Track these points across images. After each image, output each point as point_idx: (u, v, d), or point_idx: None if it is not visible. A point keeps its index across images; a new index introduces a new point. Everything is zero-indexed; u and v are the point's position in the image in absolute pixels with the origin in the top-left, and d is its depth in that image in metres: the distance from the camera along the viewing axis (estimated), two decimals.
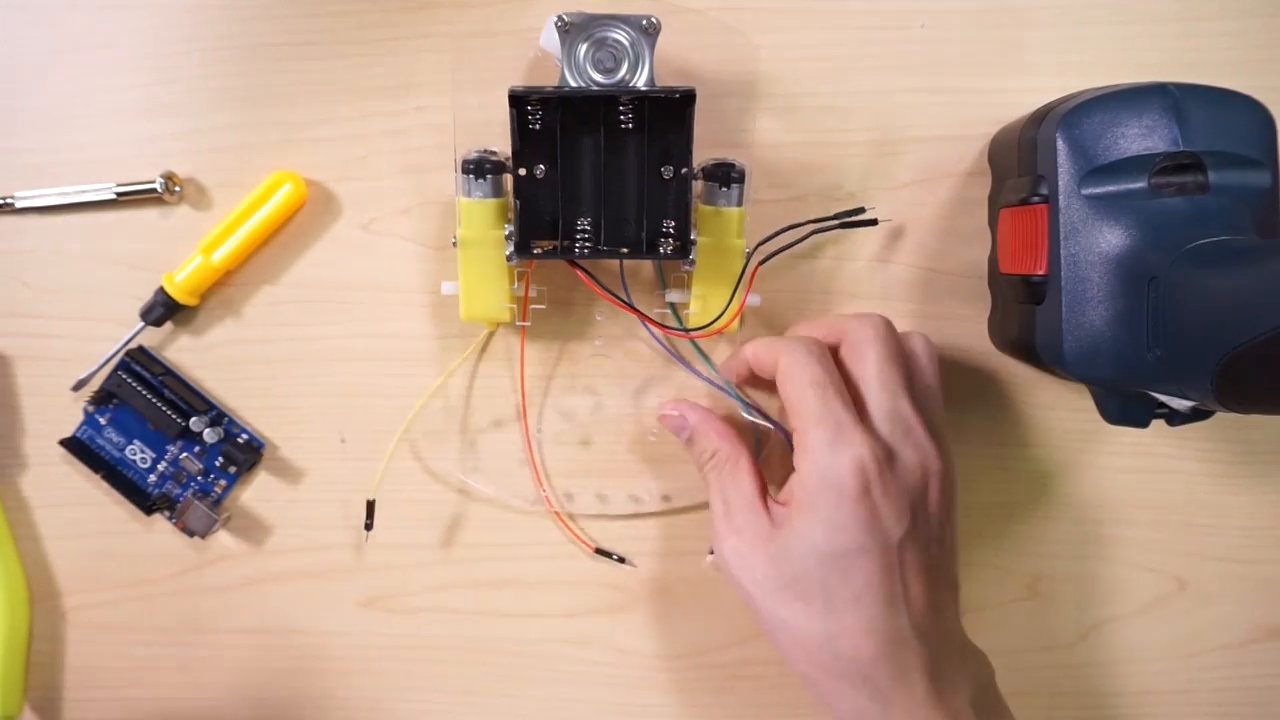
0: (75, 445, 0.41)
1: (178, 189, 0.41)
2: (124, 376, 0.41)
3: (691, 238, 0.34)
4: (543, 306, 0.40)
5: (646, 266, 0.40)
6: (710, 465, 0.37)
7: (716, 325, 0.38)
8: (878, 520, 0.32)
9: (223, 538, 0.43)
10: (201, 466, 0.42)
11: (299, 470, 0.42)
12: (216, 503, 0.42)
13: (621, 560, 0.42)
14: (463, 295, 0.38)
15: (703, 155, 0.36)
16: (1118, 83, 0.35)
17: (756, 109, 0.40)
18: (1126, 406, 0.35)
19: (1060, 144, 0.33)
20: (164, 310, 0.41)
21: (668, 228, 0.34)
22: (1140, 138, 0.32)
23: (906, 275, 0.41)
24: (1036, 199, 0.34)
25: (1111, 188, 0.33)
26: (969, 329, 0.41)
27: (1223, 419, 0.36)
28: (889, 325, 0.35)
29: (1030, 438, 0.41)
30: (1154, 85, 0.33)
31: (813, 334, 0.36)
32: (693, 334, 0.39)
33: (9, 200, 0.41)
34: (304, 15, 0.40)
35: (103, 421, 0.42)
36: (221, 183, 0.41)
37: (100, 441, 0.42)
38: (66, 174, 0.41)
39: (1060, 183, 0.33)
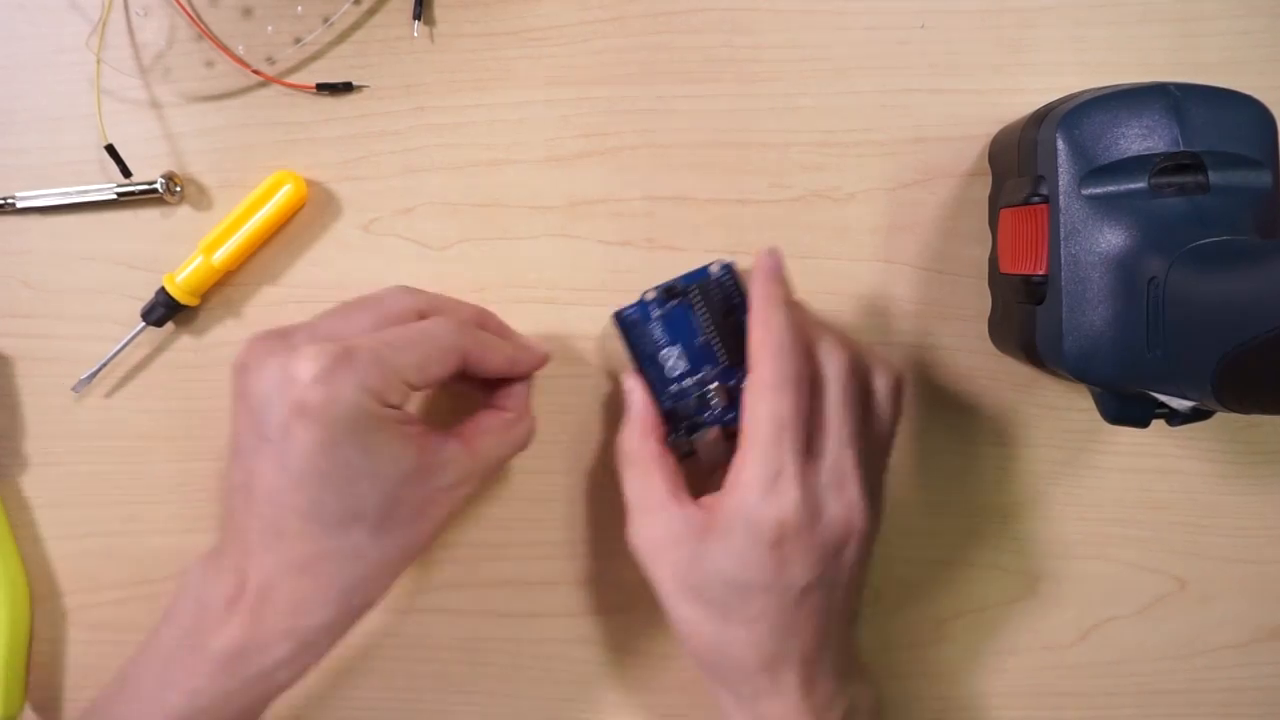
0: (625, 321, 0.39)
1: (178, 189, 0.41)
2: (711, 288, 0.39)
3: None
4: None
5: None
6: (623, 458, 0.37)
7: None
8: (784, 568, 0.33)
9: None
10: (726, 401, 0.39)
11: None
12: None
13: (348, 87, 0.41)
14: None
15: None
16: (1118, 83, 0.35)
17: (758, 109, 0.40)
18: (1126, 406, 0.35)
19: (1060, 144, 0.33)
20: (165, 310, 0.41)
21: None
22: (1140, 138, 0.32)
23: (906, 275, 0.41)
24: (1036, 199, 0.34)
25: (1112, 188, 0.33)
26: (969, 329, 0.41)
27: (1223, 419, 0.36)
28: (856, 361, 0.35)
29: (1030, 438, 0.41)
30: (1154, 85, 0.33)
31: (799, 334, 0.35)
32: None
33: (10, 200, 0.41)
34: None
35: (654, 314, 0.39)
36: (222, 183, 0.41)
37: (640, 330, 0.39)
38: (67, 174, 0.41)
39: (1060, 183, 0.33)
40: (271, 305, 0.42)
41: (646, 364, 0.39)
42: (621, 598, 0.42)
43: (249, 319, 0.42)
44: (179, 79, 0.41)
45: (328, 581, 0.33)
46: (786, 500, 0.32)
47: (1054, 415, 0.41)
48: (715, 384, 0.39)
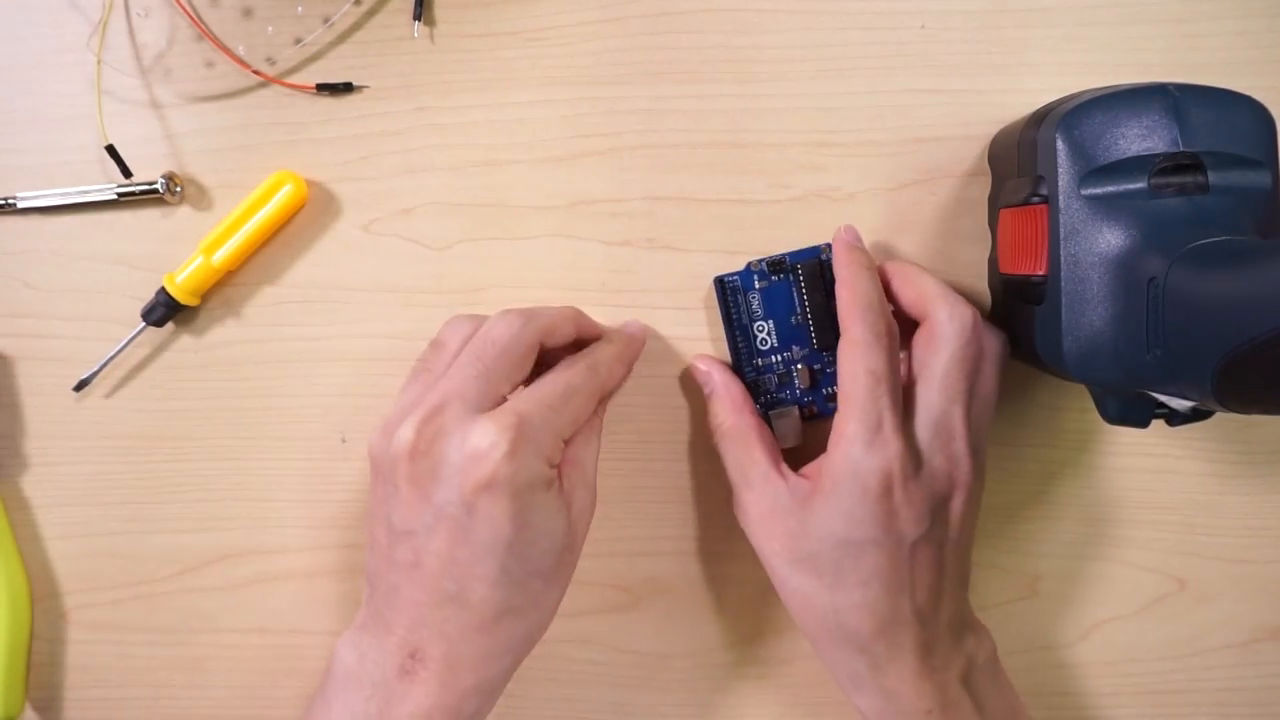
0: (725, 287, 0.40)
1: (178, 189, 0.41)
2: (817, 270, 0.39)
3: None
4: None
5: None
6: (723, 434, 0.38)
7: None
8: (894, 520, 0.33)
9: (222, 537, 0.43)
10: (809, 384, 0.40)
11: (299, 470, 0.42)
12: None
13: (348, 88, 0.40)
14: None
15: None
16: (1118, 83, 0.35)
17: (758, 109, 0.40)
18: (1126, 406, 0.35)
19: (1060, 144, 0.33)
20: (165, 311, 0.41)
21: None
22: (1140, 138, 0.32)
23: None
24: (1036, 199, 0.34)
25: (1111, 188, 0.33)
26: None
27: (1223, 419, 0.36)
28: (975, 326, 0.35)
29: (1030, 438, 0.41)
30: (1154, 85, 0.33)
31: (903, 292, 0.36)
32: None
33: (10, 201, 0.41)
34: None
35: (756, 285, 0.40)
36: (222, 183, 0.41)
37: (740, 298, 0.40)
38: (67, 174, 0.41)
39: (1060, 183, 0.33)
40: (271, 305, 0.42)
41: (738, 333, 0.40)
42: (621, 598, 0.42)
43: (249, 319, 0.42)
44: (179, 79, 0.41)
45: (509, 634, 0.33)
46: (890, 450, 0.33)
47: (1054, 415, 0.41)
48: (800, 365, 0.40)
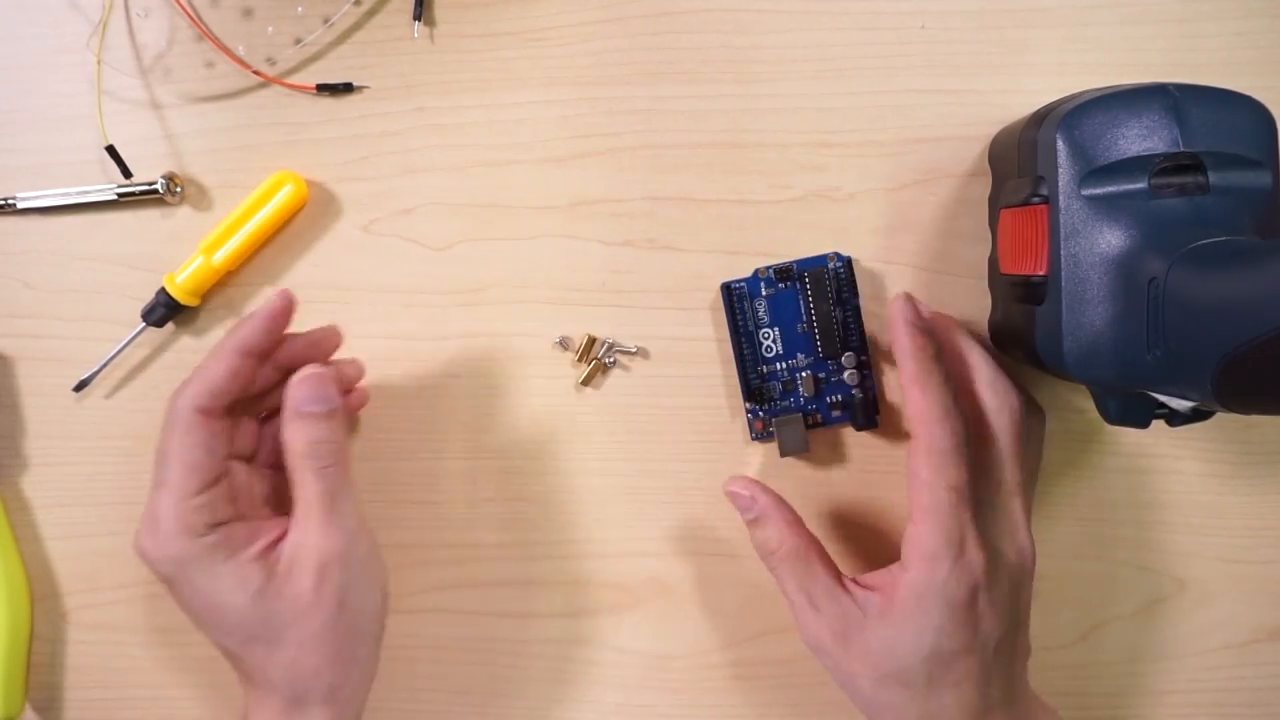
0: (732, 294, 0.39)
1: (178, 189, 0.41)
2: (824, 278, 0.39)
3: None
4: None
5: None
6: (780, 558, 0.36)
7: None
8: (981, 624, 0.33)
9: None
10: (813, 393, 0.40)
11: None
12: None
13: (348, 88, 0.40)
14: None
15: None
16: (1118, 83, 0.35)
17: (758, 109, 0.40)
18: (1126, 407, 0.35)
19: (1060, 145, 0.33)
20: (165, 311, 0.41)
21: None
22: (1140, 138, 0.32)
23: (906, 275, 0.41)
24: (1036, 199, 0.34)
25: (1111, 188, 0.33)
26: (969, 329, 0.41)
27: (1223, 419, 0.36)
28: (1024, 411, 0.36)
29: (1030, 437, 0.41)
30: (1154, 85, 0.33)
31: (952, 391, 0.34)
32: None
33: (10, 201, 0.41)
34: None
35: (763, 291, 0.40)
36: (222, 183, 0.41)
37: (746, 305, 0.39)
38: (67, 175, 0.41)
39: (1060, 183, 0.33)
40: None
41: (744, 339, 0.40)
42: (621, 598, 0.42)
43: None
44: (179, 79, 0.41)
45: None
46: (975, 565, 0.33)
47: (1054, 415, 0.41)
48: (805, 372, 0.40)
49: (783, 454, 0.40)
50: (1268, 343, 0.26)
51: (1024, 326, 0.36)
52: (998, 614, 0.34)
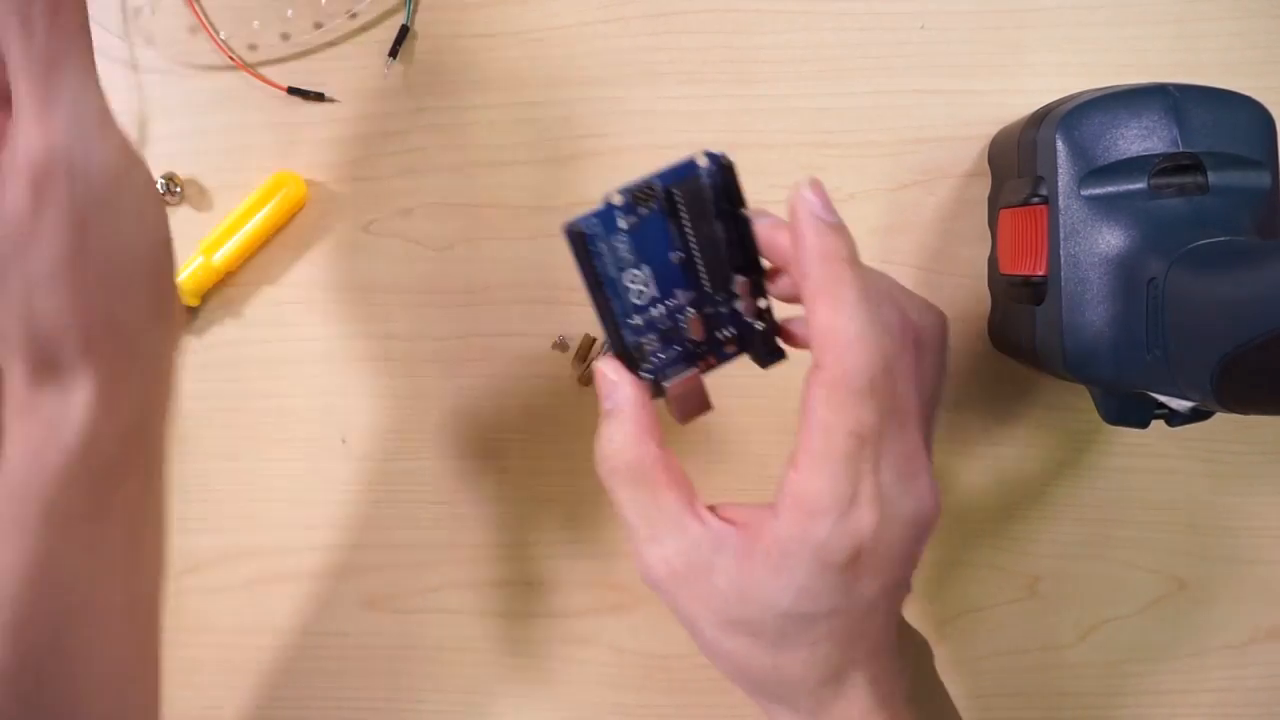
0: (580, 236, 0.28)
1: (178, 189, 0.41)
2: (697, 189, 0.29)
3: None
4: None
5: None
6: (613, 469, 0.29)
7: None
8: (855, 587, 0.27)
9: (222, 538, 0.43)
10: (704, 335, 0.30)
11: (299, 470, 0.42)
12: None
13: (320, 97, 0.40)
14: None
15: None
16: (1118, 83, 0.35)
17: (758, 109, 0.40)
18: (1126, 407, 0.35)
19: (1060, 145, 0.33)
20: None
21: None
22: (1140, 138, 0.32)
23: (906, 275, 0.41)
24: (1036, 200, 0.34)
25: (1111, 188, 0.33)
26: (969, 329, 0.41)
27: (1223, 419, 0.36)
28: (945, 328, 0.31)
29: (1030, 438, 0.41)
30: (1154, 86, 0.33)
31: (877, 311, 0.27)
32: None
33: None
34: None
35: (619, 225, 0.29)
36: (222, 183, 0.41)
37: (601, 246, 0.29)
38: None
39: (1060, 183, 0.33)
40: (271, 305, 0.42)
41: (607, 287, 0.29)
42: (621, 598, 0.42)
43: (249, 319, 0.42)
44: (161, 44, 0.41)
45: None
46: (863, 525, 0.26)
47: (1054, 415, 0.41)
48: (691, 313, 0.30)
49: (682, 421, 0.32)
50: (1268, 343, 0.26)
51: (1023, 326, 0.36)
52: (879, 574, 0.27)
